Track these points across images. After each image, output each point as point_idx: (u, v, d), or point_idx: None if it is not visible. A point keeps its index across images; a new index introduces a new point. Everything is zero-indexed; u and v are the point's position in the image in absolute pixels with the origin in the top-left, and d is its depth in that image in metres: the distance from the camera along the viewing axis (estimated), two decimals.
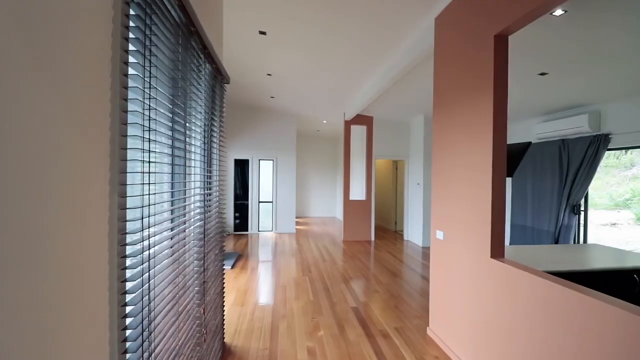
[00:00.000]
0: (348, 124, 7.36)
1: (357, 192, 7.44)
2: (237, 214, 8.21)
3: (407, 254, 6.21)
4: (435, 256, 2.94)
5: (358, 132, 7.42)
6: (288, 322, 3.21)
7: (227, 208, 8.05)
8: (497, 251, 2.17)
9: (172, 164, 1.72)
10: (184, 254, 1.64)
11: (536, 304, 1.79)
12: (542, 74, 4.00)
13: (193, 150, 1.88)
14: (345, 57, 4.43)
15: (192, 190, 1.92)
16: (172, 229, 1.50)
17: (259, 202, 8.26)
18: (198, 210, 1.95)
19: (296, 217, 11.05)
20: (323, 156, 11.83)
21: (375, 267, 5.19)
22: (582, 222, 5.32)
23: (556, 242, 5.44)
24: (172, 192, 1.61)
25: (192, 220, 1.84)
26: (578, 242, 5.33)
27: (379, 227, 9.09)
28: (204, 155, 2.35)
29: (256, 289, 4.10)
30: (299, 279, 4.53)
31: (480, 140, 2.28)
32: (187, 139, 1.75)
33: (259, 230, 8.25)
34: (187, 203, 1.75)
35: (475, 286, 2.31)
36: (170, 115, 1.59)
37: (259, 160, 8.22)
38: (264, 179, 8.30)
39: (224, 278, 2.69)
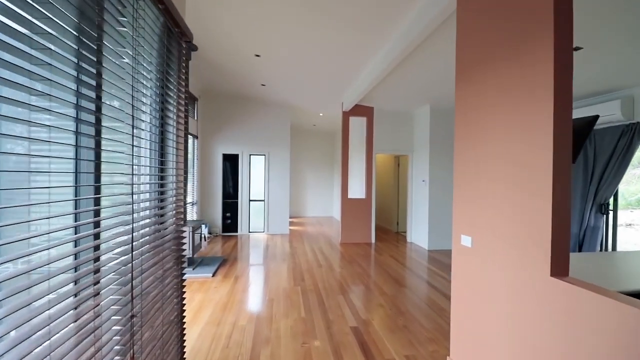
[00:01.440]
0: (346, 116, 6.72)
1: (356, 190, 6.80)
2: (228, 214, 7.56)
3: (412, 258, 5.59)
4: (459, 267, 2.30)
5: (357, 125, 6.79)
6: (272, 349, 2.57)
7: (215, 207, 7.39)
8: (560, 268, 1.54)
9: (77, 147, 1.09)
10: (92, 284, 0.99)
11: (621, 341, 1.17)
12: (577, 48, 3.38)
13: (129, 130, 1.23)
14: (342, 35, 3.79)
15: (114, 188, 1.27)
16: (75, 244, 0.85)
17: (250, 200, 7.61)
18: (124, 219, 1.31)
19: (290, 217, 10.41)
20: (319, 153, 11.19)
21: (378, 275, 4.56)
22: (610, 223, 4.72)
23: (580, 246, 4.84)
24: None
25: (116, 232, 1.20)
26: (605, 245, 4.73)
27: (379, 228, 8.47)
28: (153, 141, 1.71)
29: (238, 303, 3.45)
30: (289, 290, 3.88)
31: (531, 117, 1.65)
32: (102, 109, 1.12)
33: (249, 231, 7.59)
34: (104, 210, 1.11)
35: (524, 311, 1.68)
36: (75, 61, 0.96)
37: (250, 155, 7.56)
38: (255, 176, 7.65)
39: (183, 299, 2.04)
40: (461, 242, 2.26)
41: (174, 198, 1.93)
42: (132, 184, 1.33)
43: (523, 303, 1.69)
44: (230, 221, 7.60)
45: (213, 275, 4.38)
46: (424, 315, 3.23)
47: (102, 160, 1.20)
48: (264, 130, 7.56)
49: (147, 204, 1.56)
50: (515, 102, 1.75)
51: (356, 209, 6.77)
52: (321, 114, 8.38)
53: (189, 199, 6.55)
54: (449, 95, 5.54)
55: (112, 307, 1.21)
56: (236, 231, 7.54)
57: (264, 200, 7.65)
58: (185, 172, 2.20)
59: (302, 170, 11.08)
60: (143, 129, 1.52)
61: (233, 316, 3.13)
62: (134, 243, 1.32)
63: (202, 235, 5.11)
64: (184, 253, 2.05)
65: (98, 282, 1.12)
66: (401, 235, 7.71)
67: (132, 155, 1.34)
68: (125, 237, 1.28)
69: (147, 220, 1.51)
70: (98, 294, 1.11)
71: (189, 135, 6.21)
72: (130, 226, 1.31)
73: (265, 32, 3.97)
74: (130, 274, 1.30)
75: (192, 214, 6.81)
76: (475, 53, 2.12)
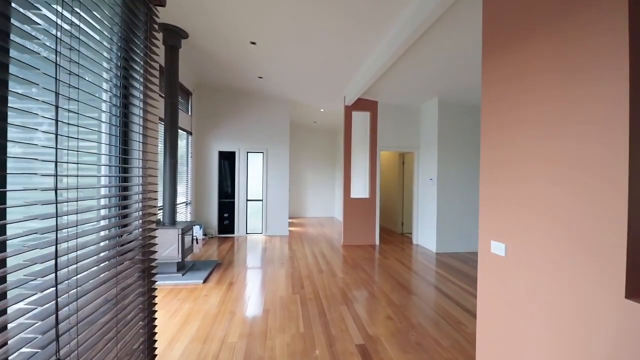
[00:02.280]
0: (349, 110, 6.34)
1: (360, 189, 6.43)
2: (224, 215, 7.19)
3: (420, 262, 5.21)
4: (487, 279, 1.93)
5: (360, 120, 6.41)
6: None
7: (211, 207, 7.02)
8: (637, 289, 1.17)
9: None
10: None
11: None
12: None
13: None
14: (342, 22, 3.41)
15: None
16: None
17: (247, 200, 7.24)
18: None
19: (290, 218, 10.05)
20: (320, 151, 10.82)
21: (384, 281, 4.18)
22: None
23: None
24: None
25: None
26: None
27: (383, 229, 8.09)
28: (114, 125, 1.35)
29: (229, 315, 3.07)
30: (287, 299, 3.51)
31: (594, 102, 1.27)
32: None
33: (246, 233, 7.22)
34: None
35: (586, 340, 1.31)
36: None
37: (247, 152, 7.19)
38: (253, 175, 7.28)
39: (153, 320, 1.67)
40: (491, 249, 1.88)
41: (140, 196, 1.56)
42: (56, 176, 0.95)
43: (585, 330, 1.32)
44: (226, 222, 7.23)
45: (204, 282, 4.01)
46: (439, 330, 2.85)
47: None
48: (262, 126, 7.19)
49: (94, 203, 1.19)
50: (569, 84, 1.37)
51: (359, 209, 6.39)
52: (322, 110, 8.01)
53: (181, 199, 6.19)
54: (460, 86, 5.16)
55: (22, 350, 0.84)
56: (233, 232, 7.17)
57: (262, 200, 7.28)
58: (175, 167, 1.83)
59: (302, 169, 10.71)
60: (79, 112, 1.15)
61: (223, 330, 2.75)
62: (60, 258, 0.94)
63: (194, 238, 4.75)
64: (153, 263, 1.68)
65: None
66: (406, 236, 7.33)
67: (56, 142, 0.96)
68: (45, 251, 0.91)
69: (90, 226, 1.14)
70: None
71: (180, 130, 5.84)
72: (54, 235, 0.93)
73: (261, 17, 3.60)
74: (54, 302, 0.92)
75: (185, 215, 6.44)
76: (508, 28, 1.74)
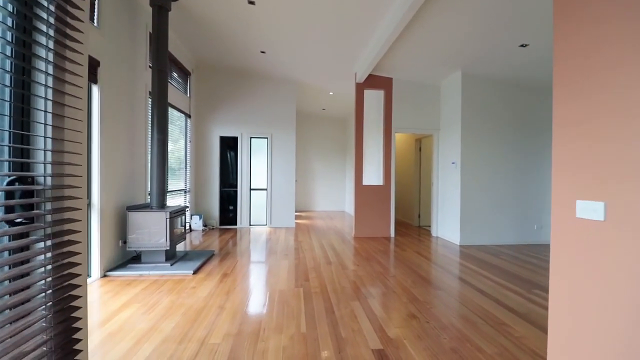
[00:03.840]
0: (360, 88, 5.75)
1: (373, 176, 5.82)
2: (226, 205, 6.69)
3: (443, 254, 4.56)
4: (568, 256, 1.31)
5: (374, 99, 5.80)
6: None
7: (212, 197, 6.53)
8: None
9: None
10: None
11: None
12: None
13: None
14: None
15: None
16: None
17: (251, 189, 6.71)
18: None
19: (298, 211, 9.52)
20: (330, 141, 10.24)
21: (403, 274, 3.57)
22: None
23: None
24: None
25: None
26: None
27: (398, 222, 7.45)
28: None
29: (216, 311, 2.53)
30: (288, 293, 2.94)
31: None
32: None
33: (250, 224, 6.70)
34: None
35: None
36: None
37: (251, 138, 6.67)
38: (257, 162, 6.76)
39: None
40: (576, 213, 1.27)
41: (49, 181, 1.01)
42: None
43: None
44: (228, 212, 6.73)
45: (194, 273, 3.48)
46: (478, 332, 2.23)
47: None
48: (267, 110, 6.66)
49: None
50: None
51: (372, 197, 5.78)
52: (331, 93, 7.43)
53: (179, 186, 5.71)
54: (490, 54, 4.49)
55: None
56: (235, 224, 6.66)
57: (266, 189, 6.75)
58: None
59: (310, 160, 10.15)
60: None
61: (205, 329, 2.20)
62: None
63: (186, 224, 4.25)
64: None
65: None
66: (424, 229, 6.67)
67: None
68: None
69: None
70: None
71: (178, 112, 5.36)
72: None
73: None
74: None
75: (184, 204, 5.96)
76: None
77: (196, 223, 6.19)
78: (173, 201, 5.43)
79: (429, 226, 6.40)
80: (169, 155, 5.19)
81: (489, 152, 5.32)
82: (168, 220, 3.58)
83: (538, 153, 5.46)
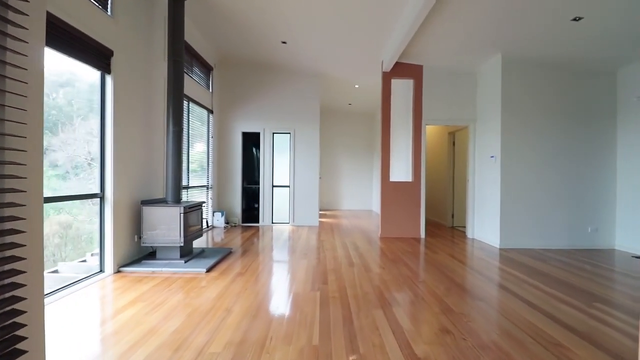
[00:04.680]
0: (387, 77, 5.35)
1: (401, 171, 5.40)
2: (249, 202, 6.56)
3: (481, 258, 4.07)
4: None
5: (402, 89, 5.38)
6: None
7: (234, 194, 6.42)
8: None
9: None
10: None
11: None
12: None
13: None
14: None
15: None
16: None
17: (273, 186, 6.53)
18: None
19: (322, 210, 9.24)
20: (357, 138, 9.88)
21: (435, 280, 3.16)
22: None
23: None
24: None
25: None
26: None
27: (429, 222, 6.94)
28: None
29: (222, 314, 2.30)
30: (304, 296, 2.66)
31: None
32: None
33: (272, 222, 6.51)
34: None
35: None
36: None
37: (273, 133, 6.49)
38: (279, 158, 6.56)
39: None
40: None
41: None
42: None
43: None
44: (250, 210, 6.59)
45: (208, 271, 3.30)
46: (527, 354, 1.82)
47: None
48: (289, 104, 6.44)
49: None
50: None
51: (401, 194, 5.36)
52: (357, 86, 7.07)
53: (202, 182, 5.64)
54: (535, 33, 3.93)
55: None
56: (258, 221, 6.50)
57: (289, 186, 6.53)
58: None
59: (336, 157, 9.84)
60: None
61: (207, 335, 1.98)
62: None
63: (203, 220, 4.11)
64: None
65: None
66: (458, 230, 6.13)
67: None
68: None
69: None
70: None
71: (200, 108, 5.28)
72: None
73: None
74: None
75: (206, 200, 5.89)
76: None
77: (218, 220, 6.10)
78: (196, 197, 5.35)
79: (464, 227, 5.86)
80: (190, 151, 5.12)
81: (533, 144, 4.72)
82: (182, 215, 3.44)
83: (593, 145, 4.77)
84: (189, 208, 3.61)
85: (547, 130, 4.72)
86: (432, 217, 7.45)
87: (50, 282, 2.97)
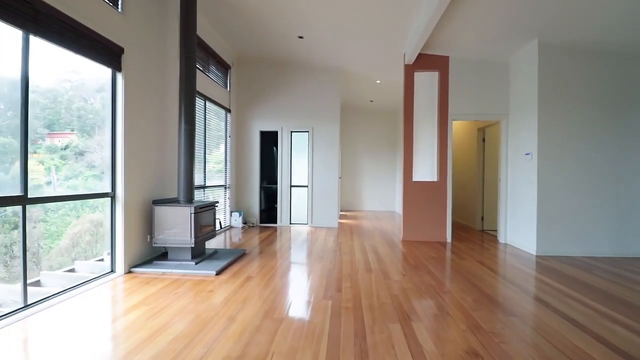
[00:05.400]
0: (410, 70, 5.03)
1: (425, 171, 5.06)
2: (267, 202, 6.46)
3: (513, 266, 3.68)
4: None
5: (426, 82, 5.04)
6: None
7: (252, 193, 6.34)
8: None
9: None
10: None
11: None
12: None
13: None
14: None
15: None
16: None
17: (291, 186, 6.38)
18: None
19: (343, 210, 9.01)
20: (379, 137, 9.55)
21: (462, 290, 2.85)
22: None
23: None
24: None
25: None
26: None
27: (456, 225, 6.52)
28: None
29: (225, 322, 2.14)
30: (313, 306, 2.45)
31: None
32: None
33: (290, 223, 6.36)
34: None
35: None
36: None
37: (291, 132, 6.33)
38: (297, 157, 6.40)
39: None
40: None
41: None
42: None
43: None
44: (268, 210, 6.48)
45: (217, 274, 3.18)
46: None
47: None
48: (308, 101, 6.27)
49: None
50: None
51: (425, 195, 5.03)
52: (378, 81, 6.78)
53: (219, 181, 5.59)
54: (578, 13, 3.49)
55: None
56: (275, 222, 6.38)
57: (307, 186, 6.35)
58: None
59: (357, 156, 9.56)
60: None
61: (203, 348, 1.82)
62: None
63: (216, 220, 4.01)
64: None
65: None
66: (489, 234, 5.68)
67: None
68: None
69: None
70: None
71: (217, 107, 5.22)
72: None
73: None
74: None
75: (224, 200, 5.84)
76: None
77: (236, 220, 6.03)
78: (213, 197, 5.31)
79: (495, 231, 5.42)
80: (207, 150, 5.07)
81: (575, 139, 4.23)
82: (192, 215, 3.34)
83: None
84: (201, 208, 3.51)
85: (591, 124, 4.22)
86: (459, 219, 7.00)
87: (64, 281, 2.97)
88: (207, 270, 3.18)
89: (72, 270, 3.28)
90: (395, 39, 4.74)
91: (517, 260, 3.96)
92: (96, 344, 1.83)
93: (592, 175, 4.22)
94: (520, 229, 4.62)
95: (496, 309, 2.42)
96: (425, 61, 4.93)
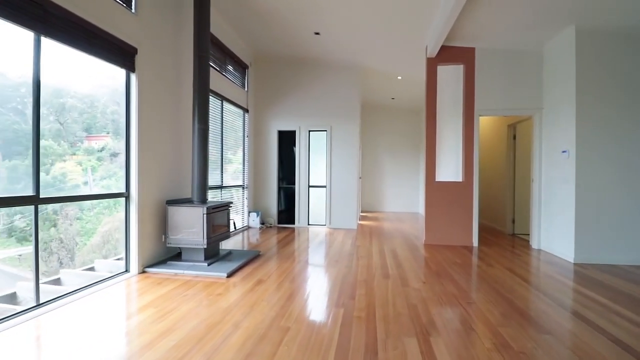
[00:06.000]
0: (433, 63, 4.76)
1: (449, 170, 4.77)
2: (284, 202, 6.38)
3: (548, 275, 3.34)
4: None
5: (450, 76, 4.75)
6: None
7: (270, 194, 6.28)
8: None
9: None
10: None
11: None
12: None
13: None
14: None
15: None
16: None
17: (309, 186, 6.27)
18: None
19: (364, 211, 8.79)
20: (402, 135, 9.25)
21: (489, 302, 2.59)
22: None
23: None
24: None
25: None
26: None
27: (483, 228, 6.13)
28: None
29: (229, 329, 2.04)
30: (323, 314, 2.31)
31: None
32: None
33: (308, 224, 6.25)
34: None
35: None
36: None
37: (309, 131, 6.22)
38: (315, 157, 6.27)
39: None
40: None
41: None
42: None
43: None
44: (286, 210, 6.40)
45: (229, 276, 3.11)
46: None
47: None
48: (326, 99, 6.12)
49: None
50: None
51: (449, 196, 4.73)
52: (399, 77, 6.52)
53: (237, 182, 5.58)
54: None
55: None
56: (293, 223, 6.29)
57: (325, 187, 6.21)
58: None
59: (379, 156, 9.29)
60: None
61: (203, 356, 1.72)
62: None
63: (231, 221, 3.96)
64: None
65: None
66: (520, 239, 5.28)
67: None
68: None
69: None
70: None
71: (234, 107, 5.20)
72: None
73: None
74: None
75: (242, 200, 5.83)
76: None
77: (254, 220, 6.00)
78: (231, 197, 5.30)
79: (527, 235, 5.03)
80: (224, 151, 5.06)
81: (618, 135, 3.80)
82: (205, 216, 3.29)
83: None
84: (213, 208, 3.46)
85: (636, 119, 3.78)
86: (487, 222, 6.59)
87: (82, 279, 3.02)
88: (218, 272, 3.12)
89: (91, 269, 3.35)
90: (416, 31, 4.49)
91: (553, 268, 3.61)
92: (96, 347, 1.79)
93: (637, 174, 3.78)
94: (555, 234, 4.23)
95: (527, 325, 2.16)
96: (448, 53, 4.64)
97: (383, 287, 2.87)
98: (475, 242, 4.68)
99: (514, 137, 5.61)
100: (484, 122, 6.51)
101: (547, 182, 4.45)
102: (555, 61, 4.27)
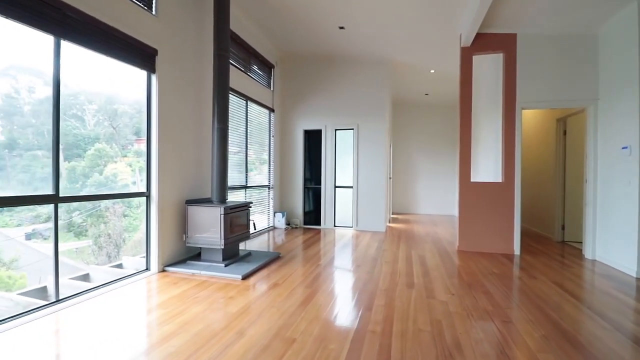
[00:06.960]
0: (467, 53, 4.36)
1: (488, 171, 4.35)
2: (311, 203, 6.26)
3: (604, 291, 2.87)
4: None
5: (488, 66, 4.32)
6: None
7: (296, 194, 6.20)
8: None
9: None
10: None
11: None
12: None
13: None
14: None
15: None
16: None
17: (335, 187, 6.09)
18: None
19: (395, 213, 8.42)
20: (437, 134, 8.76)
21: (527, 320, 2.25)
22: None
23: None
24: None
25: None
26: None
27: (526, 233, 5.55)
28: None
29: (233, 337, 1.93)
30: (335, 326, 2.12)
31: None
32: None
33: (334, 225, 6.07)
34: None
35: None
36: None
37: (335, 130, 6.04)
38: (342, 157, 6.08)
39: None
40: None
41: None
42: None
43: None
44: (312, 211, 6.27)
45: (244, 278, 3.03)
46: None
47: None
48: (352, 96, 5.91)
49: None
50: None
51: (487, 198, 4.31)
52: (432, 71, 6.12)
53: (262, 182, 5.55)
54: None
55: None
56: (319, 224, 6.14)
57: (352, 187, 5.99)
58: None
59: (412, 156, 8.87)
60: None
61: None
62: None
63: (251, 222, 3.89)
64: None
65: None
66: (571, 247, 4.68)
67: None
68: None
69: None
70: None
71: (260, 107, 5.17)
72: None
73: None
74: None
75: (268, 200, 5.80)
76: None
77: (279, 221, 5.95)
78: (256, 197, 5.28)
79: (580, 243, 4.44)
80: (248, 150, 5.05)
81: None
82: (223, 217, 3.25)
83: None
84: (232, 209, 3.41)
85: None
86: (531, 227, 5.97)
87: (108, 276, 3.11)
88: (234, 274, 3.05)
89: (119, 266, 3.45)
90: (448, 17, 4.14)
91: (610, 283, 3.11)
92: (97, 349, 1.76)
93: None
94: (614, 242, 3.66)
95: (575, 353, 1.81)
96: (485, 41, 4.23)
97: (405, 298, 2.61)
98: (517, 249, 4.21)
99: (564, 133, 5.00)
100: (528, 117, 5.90)
101: (603, 183, 3.88)
102: (613, 45, 3.70)
